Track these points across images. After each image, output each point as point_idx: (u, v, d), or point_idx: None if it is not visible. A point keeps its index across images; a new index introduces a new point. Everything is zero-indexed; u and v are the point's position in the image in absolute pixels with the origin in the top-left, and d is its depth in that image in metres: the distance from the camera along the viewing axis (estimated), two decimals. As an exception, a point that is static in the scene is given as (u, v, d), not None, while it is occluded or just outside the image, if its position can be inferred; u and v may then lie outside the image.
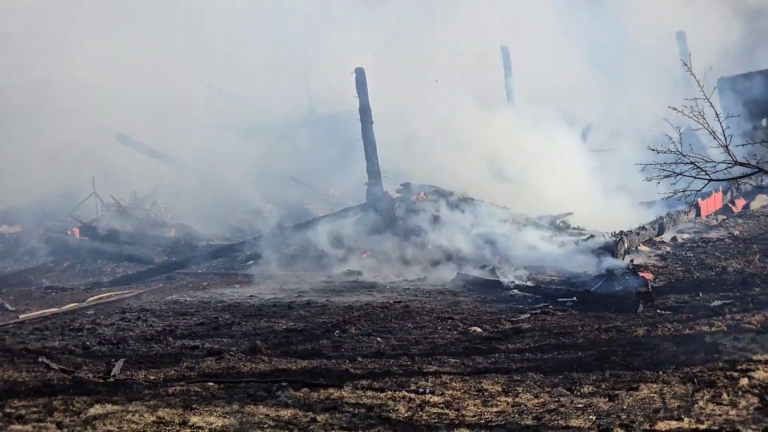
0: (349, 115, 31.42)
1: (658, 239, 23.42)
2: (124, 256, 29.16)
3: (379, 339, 16.94)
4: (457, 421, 11.58)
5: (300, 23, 38.69)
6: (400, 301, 19.95)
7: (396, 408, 12.16)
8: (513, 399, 12.68)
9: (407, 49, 33.77)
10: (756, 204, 26.38)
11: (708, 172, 18.93)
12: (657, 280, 20.05)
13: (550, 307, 18.85)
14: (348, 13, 37.59)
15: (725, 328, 15.72)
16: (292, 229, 26.62)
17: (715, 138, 18.07)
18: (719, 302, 17.74)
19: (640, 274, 19.33)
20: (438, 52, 33.70)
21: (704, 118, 18.41)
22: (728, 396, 12.27)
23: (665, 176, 17.94)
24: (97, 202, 33.93)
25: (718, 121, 17.94)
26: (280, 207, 31.95)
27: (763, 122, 29.43)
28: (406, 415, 11.92)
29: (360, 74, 25.15)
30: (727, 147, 17.28)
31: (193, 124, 37.33)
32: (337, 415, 11.85)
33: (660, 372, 13.67)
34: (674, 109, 19.43)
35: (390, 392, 12.96)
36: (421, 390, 13.03)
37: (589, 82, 38.18)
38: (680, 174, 18.22)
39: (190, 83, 37.68)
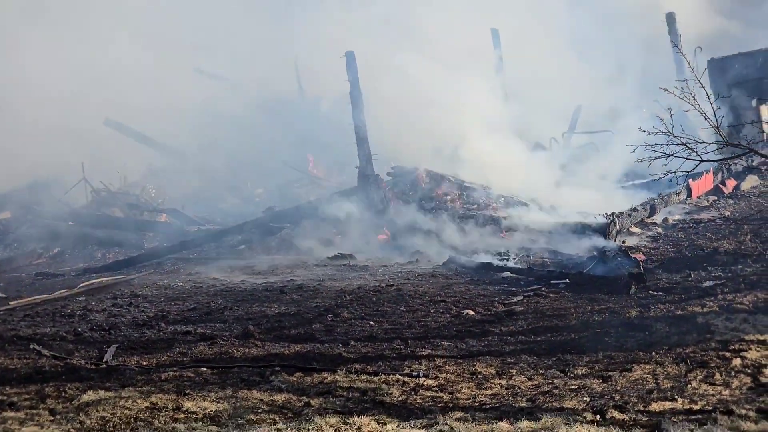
0: (340, 98, 31.50)
1: (649, 220, 23.41)
2: (115, 241, 29.07)
3: (371, 323, 16.92)
4: (451, 405, 11.56)
5: (288, 4, 38.62)
6: (392, 285, 19.92)
7: (390, 392, 12.15)
8: (507, 381, 12.67)
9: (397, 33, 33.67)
10: (746, 185, 26.37)
11: (699, 153, 18.96)
12: (649, 261, 20.04)
13: (543, 289, 18.84)
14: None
15: (717, 309, 15.71)
16: (283, 213, 26.57)
17: (706, 119, 18.06)
18: (711, 283, 17.74)
19: (632, 255, 19.32)
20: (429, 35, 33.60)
21: (695, 99, 18.42)
22: (721, 376, 12.27)
23: (657, 157, 17.91)
24: (87, 188, 33.82)
25: (710, 102, 17.92)
26: (271, 191, 31.88)
27: (753, 103, 29.37)
28: (400, 398, 11.90)
29: (350, 57, 25.08)
30: (718, 128, 17.26)
31: (181, 108, 37.21)
32: (331, 399, 11.83)
33: (653, 353, 13.67)
34: (666, 90, 19.43)
35: (384, 376, 12.94)
36: (414, 373, 13.01)
37: (577, 66, 38.13)
38: (672, 155, 18.24)
39: (179, 67, 37.54)
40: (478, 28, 33.63)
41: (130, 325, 17.50)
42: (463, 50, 32.98)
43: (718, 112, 19.09)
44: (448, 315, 17.34)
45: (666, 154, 18.34)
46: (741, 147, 18.30)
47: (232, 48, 39.65)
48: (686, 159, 18.08)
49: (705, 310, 15.76)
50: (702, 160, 19.43)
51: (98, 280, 22.97)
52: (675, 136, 18.60)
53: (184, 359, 14.42)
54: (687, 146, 18.41)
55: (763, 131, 28.30)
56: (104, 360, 14.35)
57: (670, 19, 36.30)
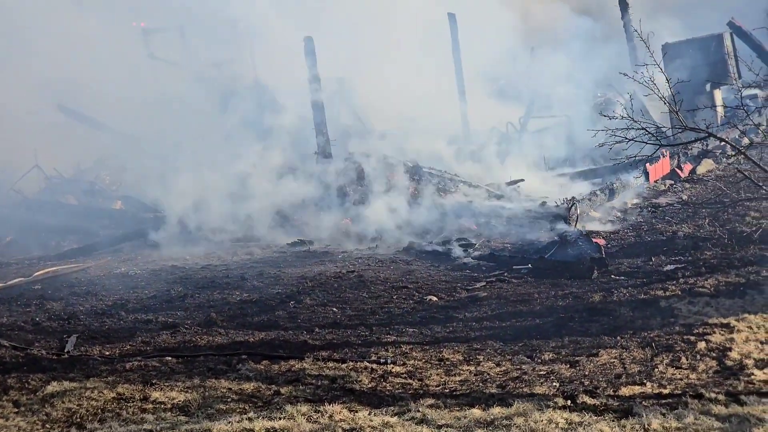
0: (297, 84, 31.27)
1: (609, 205, 23.47)
2: (69, 229, 28.72)
3: (335, 309, 16.84)
4: (421, 391, 11.52)
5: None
6: (354, 271, 19.81)
7: (359, 379, 12.09)
8: (475, 368, 12.65)
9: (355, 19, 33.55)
10: (702, 168, 26.50)
11: (659, 138, 19.04)
12: (609, 245, 20.09)
13: (505, 274, 18.82)
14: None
15: (679, 293, 15.76)
16: (241, 199, 26.35)
17: (666, 103, 18.13)
18: (672, 267, 17.82)
19: (593, 239, 19.34)
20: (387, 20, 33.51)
21: (655, 84, 18.48)
22: (687, 360, 12.34)
23: (617, 142, 17.94)
24: (40, 175, 33.40)
25: (669, 87, 17.97)
26: (227, 177, 31.54)
27: (707, 87, 29.55)
28: (369, 385, 11.85)
29: (309, 43, 24.89)
30: (677, 112, 17.32)
31: (135, 95, 36.83)
32: (300, 387, 11.75)
33: (618, 337, 13.74)
34: (625, 74, 19.49)
35: (352, 363, 12.89)
36: (382, 360, 12.98)
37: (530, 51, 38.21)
38: (632, 140, 18.28)
39: (133, 54, 37.19)
40: (435, 13, 33.57)
41: (89, 314, 17.31)
42: (420, 36, 33.03)
43: (675, 97, 19.20)
44: (411, 301, 17.30)
45: (626, 138, 18.42)
46: (700, 131, 18.41)
47: (187, 33, 39.33)
48: (646, 144, 18.17)
49: (667, 294, 15.82)
50: (661, 145, 19.58)
51: (54, 268, 22.70)
52: (635, 121, 18.68)
53: (148, 348, 14.29)
54: (647, 131, 18.50)
55: (718, 114, 28.48)
56: (66, 350, 14.17)
57: (623, 4, 36.38)
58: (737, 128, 25.13)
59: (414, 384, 11.90)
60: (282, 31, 32.14)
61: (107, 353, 13.99)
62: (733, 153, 22.76)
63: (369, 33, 32.60)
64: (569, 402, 10.71)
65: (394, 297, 17.63)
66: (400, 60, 31.29)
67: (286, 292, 18.31)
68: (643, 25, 20.13)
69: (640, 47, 37.65)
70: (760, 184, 18.73)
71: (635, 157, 19.43)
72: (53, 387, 11.75)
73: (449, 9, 32.56)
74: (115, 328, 15.93)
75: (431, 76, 31.65)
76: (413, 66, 31.22)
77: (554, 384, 11.64)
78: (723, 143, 26.17)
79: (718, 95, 29.38)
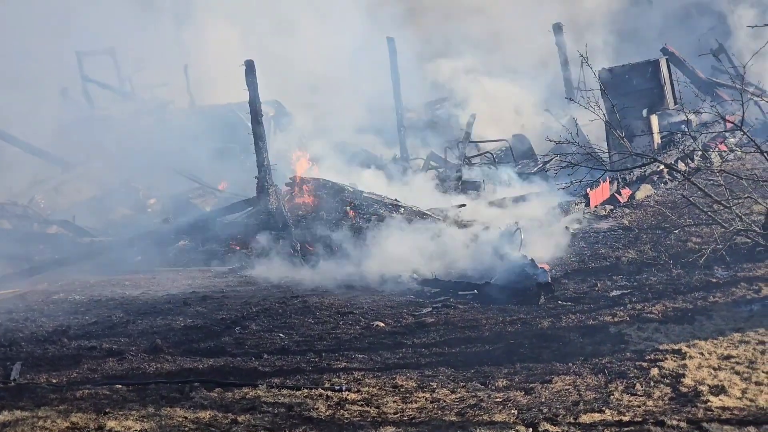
0: (235, 106, 31.19)
1: (551, 229, 23.50)
2: (2, 255, 28.14)
3: (281, 335, 16.69)
4: (380, 419, 11.43)
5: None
6: (297, 296, 19.64)
7: (316, 406, 11.96)
8: (430, 395, 12.58)
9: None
10: (641, 194, 26.70)
11: (605, 163, 19.25)
12: (554, 270, 20.14)
13: (451, 300, 18.77)
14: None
15: (628, 318, 15.85)
16: (178, 224, 26.08)
17: (612, 129, 18.33)
18: (618, 292, 17.90)
19: (539, 265, 19.36)
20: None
21: (600, 109, 18.67)
22: (641, 387, 12.40)
23: (563, 167, 18.06)
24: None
25: (615, 112, 18.16)
26: (165, 201, 31.27)
27: (644, 113, 29.81)
28: (327, 413, 11.73)
29: (249, 66, 24.68)
30: (623, 138, 17.51)
31: (67, 117, 36.50)
32: (257, 415, 11.60)
33: (570, 364, 13.76)
34: (571, 99, 19.68)
35: (306, 390, 12.76)
36: (337, 387, 12.86)
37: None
38: (578, 164, 18.44)
39: (66, 73, 36.87)
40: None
41: (30, 340, 16.96)
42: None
43: (613, 122, 19.39)
44: (357, 327, 17.17)
45: (572, 163, 18.58)
46: (645, 156, 18.63)
47: (123, 55, 39.10)
48: (592, 168, 18.35)
49: (616, 320, 15.89)
50: (608, 170, 19.79)
51: (-12, 294, 22.22)
52: (581, 146, 18.85)
53: (95, 376, 14.02)
54: (592, 156, 18.69)
55: (654, 141, 28.77)
56: (12, 378, 13.85)
57: (557, 29, 36.66)
58: (676, 153, 25.52)
59: (372, 411, 11.80)
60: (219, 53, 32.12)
61: (55, 381, 13.71)
62: (680, 179, 22.96)
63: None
64: (531, 430, 10.68)
65: (340, 323, 17.48)
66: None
67: (231, 317, 18.09)
68: (577, 49, 20.45)
69: (575, 71, 38.14)
70: (705, 209, 18.95)
71: (581, 181, 19.64)
72: (4, 416, 11.47)
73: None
74: (59, 355, 15.61)
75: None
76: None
77: (513, 411, 11.60)
78: (660, 168, 26.49)
79: (655, 121, 29.69)
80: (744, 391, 11.86)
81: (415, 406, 12.05)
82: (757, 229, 18.07)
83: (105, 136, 34.01)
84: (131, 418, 11.42)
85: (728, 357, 13.30)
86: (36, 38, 38.41)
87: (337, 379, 13.41)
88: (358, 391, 12.75)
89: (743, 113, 17.97)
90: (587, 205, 24.84)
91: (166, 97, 36.99)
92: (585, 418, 11.07)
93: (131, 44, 38.64)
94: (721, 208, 18.40)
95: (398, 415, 11.66)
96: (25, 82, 35.88)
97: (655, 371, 12.90)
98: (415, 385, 13.12)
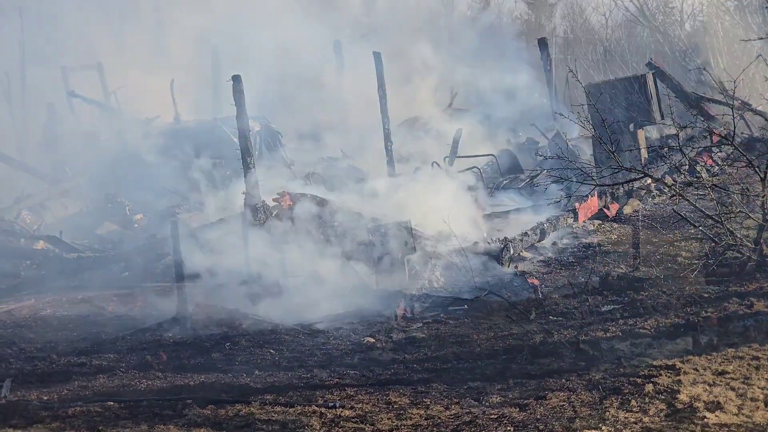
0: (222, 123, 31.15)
1: (539, 245, 23.48)
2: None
3: (272, 350, 16.64)
4: (375, 437, 11.36)
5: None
6: (287, 311, 19.59)
7: (310, 423, 11.88)
8: (425, 411, 12.50)
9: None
10: (628, 208, 26.66)
11: (594, 178, 19.21)
12: (543, 285, 20.11)
13: (442, 315, 18.73)
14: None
15: (620, 334, 15.79)
16: (166, 239, 25.93)
17: (602, 143, 18.29)
18: (609, 307, 17.86)
19: (529, 280, 19.35)
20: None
21: (590, 123, 18.67)
22: (636, 403, 12.31)
23: (553, 181, 18.03)
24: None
25: (605, 127, 18.14)
26: (151, 217, 31.14)
27: (630, 128, 29.83)
28: (321, 430, 11.64)
29: (237, 82, 24.59)
30: (613, 152, 17.46)
31: (53, 133, 36.46)
32: (252, 433, 11.53)
33: (563, 379, 13.68)
34: (561, 114, 19.70)
35: (299, 407, 12.67)
36: (330, 404, 12.77)
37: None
38: (568, 179, 18.41)
39: (54, 89, 36.81)
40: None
41: (19, 357, 16.91)
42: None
43: (611, 137, 19.35)
44: (348, 342, 17.12)
45: (562, 178, 18.56)
46: (635, 171, 18.58)
47: (110, 69, 39.04)
48: (581, 183, 18.29)
49: (608, 335, 15.84)
50: (598, 185, 19.75)
51: (-25, 310, 22.09)
52: (571, 161, 18.84)
53: (87, 393, 13.93)
54: (582, 171, 18.65)
55: (642, 155, 28.78)
56: (2, 395, 13.75)
57: (543, 44, 36.73)
58: (665, 167, 25.52)
59: (367, 429, 11.72)
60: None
61: (46, 398, 13.61)
62: (670, 193, 22.93)
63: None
64: (528, 446, 10.63)
65: (330, 338, 17.43)
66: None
67: (220, 332, 18.03)
68: (564, 63, 20.54)
69: (560, 86, 38.23)
70: (695, 224, 18.94)
71: (571, 196, 19.62)
72: (-5, 435, 11.40)
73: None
74: (49, 372, 15.54)
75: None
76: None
77: (508, 428, 11.54)
78: (648, 183, 26.49)
79: (642, 135, 29.71)
80: (740, 408, 11.80)
81: (410, 423, 11.96)
82: (748, 243, 18.04)
83: (91, 151, 33.88)
84: (125, 436, 11.36)
85: (723, 373, 13.24)
86: (22, 54, 38.42)
87: (330, 395, 13.33)
88: (352, 407, 12.66)
89: (734, 127, 17.97)
90: (576, 219, 24.79)
91: (151, 112, 36.78)
92: (582, 435, 11.03)
93: (117, 59, 38.55)
94: (712, 222, 18.37)
95: (393, 432, 11.61)
96: (10, 97, 35.83)
97: (649, 387, 12.82)
98: (408, 401, 13.04)
